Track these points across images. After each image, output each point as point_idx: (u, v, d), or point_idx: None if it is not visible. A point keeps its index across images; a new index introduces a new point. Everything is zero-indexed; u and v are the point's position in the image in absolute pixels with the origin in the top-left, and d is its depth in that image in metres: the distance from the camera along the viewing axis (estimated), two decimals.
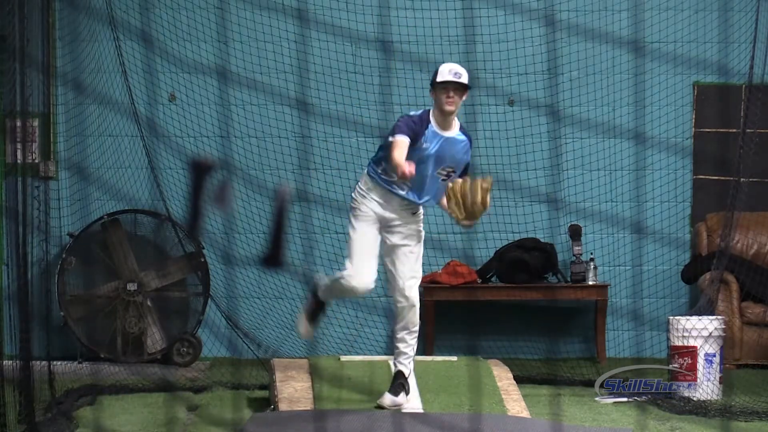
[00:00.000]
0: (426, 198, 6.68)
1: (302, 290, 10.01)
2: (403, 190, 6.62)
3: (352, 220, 6.70)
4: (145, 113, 9.80)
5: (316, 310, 6.97)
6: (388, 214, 6.66)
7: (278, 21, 9.92)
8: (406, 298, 6.68)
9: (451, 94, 6.54)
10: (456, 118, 6.66)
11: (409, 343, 6.77)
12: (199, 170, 4.45)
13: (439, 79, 6.57)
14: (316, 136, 10.02)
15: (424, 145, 6.53)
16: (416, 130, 6.51)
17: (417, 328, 6.78)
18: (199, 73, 9.96)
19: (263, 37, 9.95)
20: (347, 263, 6.63)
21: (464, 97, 6.61)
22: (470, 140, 6.72)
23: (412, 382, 6.87)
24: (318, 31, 9.95)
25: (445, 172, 6.62)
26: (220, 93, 10.04)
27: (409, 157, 6.40)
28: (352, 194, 6.76)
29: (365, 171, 6.74)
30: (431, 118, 6.60)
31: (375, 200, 6.66)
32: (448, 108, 6.54)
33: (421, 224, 6.78)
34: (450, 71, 6.57)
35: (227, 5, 9.91)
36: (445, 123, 6.60)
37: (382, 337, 9.98)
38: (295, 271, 9.95)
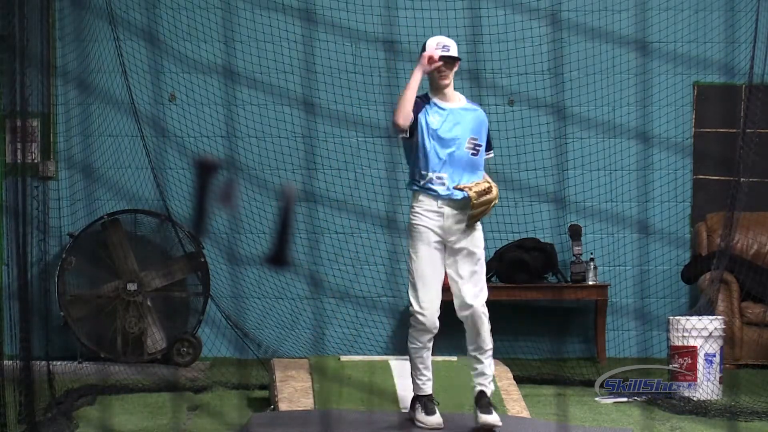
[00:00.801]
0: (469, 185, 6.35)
1: (303, 290, 10.02)
2: (443, 184, 6.32)
3: (412, 243, 6.35)
4: (145, 113, 9.80)
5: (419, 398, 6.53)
6: (447, 224, 6.31)
7: (279, 21, 9.91)
8: (472, 314, 6.31)
9: (443, 68, 6.37)
10: (459, 92, 6.52)
11: (483, 362, 6.36)
12: (203, 169, 4.46)
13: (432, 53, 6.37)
14: (317, 136, 10.01)
15: (435, 122, 6.34)
16: (417, 103, 6.33)
17: (489, 347, 6.36)
18: (200, 73, 9.96)
19: (264, 37, 9.94)
20: (411, 298, 6.36)
21: (455, 68, 6.42)
22: (482, 109, 6.54)
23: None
24: (320, 31, 9.94)
25: (471, 146, 6.37)
26: (222, 93, 10.03)
27: (429, 149, 6.32)
28: (410, 216, 6.41)
29: (411, 192, 6.43)
30: (432, 97, 6.43)
31: (429, 212, 6.33)
32: (443, 82, 6.39)
33: (480, 237, 6.39)
34: (438, 44, 6.38)
35: (229, 5, 9.91)
36: (446, 97, 6.44)
37: (382, 337, 9.98)
38: (296, 271, 9.95)
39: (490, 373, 6.38)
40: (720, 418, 7.18)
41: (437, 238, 6.33)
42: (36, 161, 9.66)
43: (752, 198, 8.96)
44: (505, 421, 6.56)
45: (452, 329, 9.86)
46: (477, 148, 6.40)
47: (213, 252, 9.82)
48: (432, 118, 6.36)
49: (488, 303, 9.90)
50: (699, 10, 10.10)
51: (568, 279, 9.81)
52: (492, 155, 6.57)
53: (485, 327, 6.34)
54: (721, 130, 10.07)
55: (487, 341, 6.35)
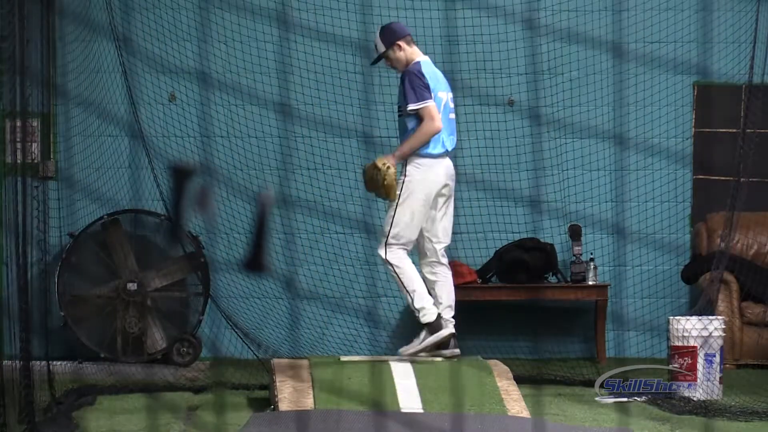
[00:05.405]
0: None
1: (303, 290, 10.01)
2: None
3: None
4: (146, 113, 9.80)
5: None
6: None
7: (256, 23, 9.87)
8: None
9: (386, 63, 7.51)
10: (414, 59, 7.42)
11: (407, 300, 7.43)
12: (179, 175, 4.45)
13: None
14: (294, 138, 9.98)
15: None
16: None
17: (402, 287, 7.37)
18: (200, 73, 9.95)
19: (241, 38, 9.91)
20: None
21: (393, 52, 7.39)
22: (405, 72, 7.35)
23: (441, 332, 7.41)
24: (296, 33, 9.89)
25: (397, 111, 7.51)
26: (223, 94, 10.02)
27: None
28: None
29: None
30: None
31: None
32: (397, 71, 7.52)
33: (400, 187, 7.29)
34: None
35: (209, 6, 9.88)
36: None
37: (382, 337, 9.98)
38: (297, 271, 9.94)
39: (414, 306, 7.37)
40: (720, 418, 7.18)
41: None
42: (36, 161, 9.66)
43: (752, 198, 8.96)
44: (505, 421, 6.57)
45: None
46: (400, 111, 7.40)
47: (213, 252, 9.81)
48: None
49: (488, 303, 9.94)
50: (699, 10, 10.09)
51: (568, 279, 9.81)
52: (412, 108, 7.25)
53: (388, 272, 7.45)
54: (721, 130, 10.07)
55: (397, 284, 7.43)
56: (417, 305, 7.30)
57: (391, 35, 7.37)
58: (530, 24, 9.99)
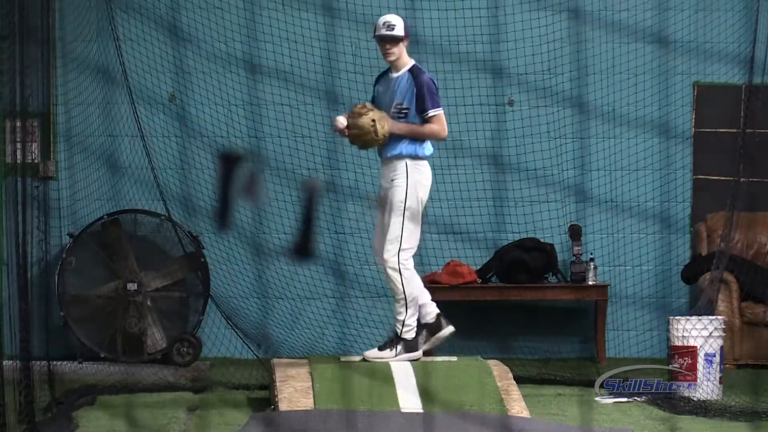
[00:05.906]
0: (392, 147, 7.24)
1: (302, 290, 10.01)
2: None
3: None
4: (145, 112, 9.80)
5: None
6: (381, 181, 7.41)
7: (302, 20, 9.87)
8: (383, 264, 7.22)
9: (387, 46, 7.25)
10: (411, 61, 7.31)
11: (398, 310, 7.28)
12: (228, 162, 4.45)
13: (376, 33, 7.28)
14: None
15: (375, 92, 7.43)
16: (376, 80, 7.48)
17: (401, 296, 7.21)
18: (200, 72, 9.95)
19: (286, 35, 9.89)
20: None
21: (399, 45, 7.23)
22: (416, 75, 7.23)
23: (413, 353, 7.32)
24: (342, 27, 9.84)
25: (396, 110, 7.24)
26: (221, 92, 10.02)
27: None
28: None
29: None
30: (388, 71, 7.39)
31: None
32: (388, 59, 7.29)
33: (400, 189, 7.19)
34: (383, 24, 7.25)
35: (255, 3, 9.86)
36: (393, 69, 7.33)
37: (383, 337, 9.94)
38: (296, 271, 9.94)
39: (401, 318, 7.26)
40: (720, 418, 7.18)
41: (380, 192, 7.40)
42: (36, 161, 9.66)
43: (752, 198, 8.96)
44: (505, 421, 6.57)
45: None
46: (403, 111, 7.24)
47: (213, 252, 9.81)
48: (376, 89, 7.43)
49: (488, 303, 9.91)
50: (699, 10, 10.09)
51: (568, 279, 9.81)
52: (431, 114, 7.21)
53: (392, 278, 7.20)
54: (721, 130, 10.07)
55: (397, 291, 7.22)
56: (408, 321, 7.30)
57: (408, 30, 7.40)
58: (530, 24, 9.99)
